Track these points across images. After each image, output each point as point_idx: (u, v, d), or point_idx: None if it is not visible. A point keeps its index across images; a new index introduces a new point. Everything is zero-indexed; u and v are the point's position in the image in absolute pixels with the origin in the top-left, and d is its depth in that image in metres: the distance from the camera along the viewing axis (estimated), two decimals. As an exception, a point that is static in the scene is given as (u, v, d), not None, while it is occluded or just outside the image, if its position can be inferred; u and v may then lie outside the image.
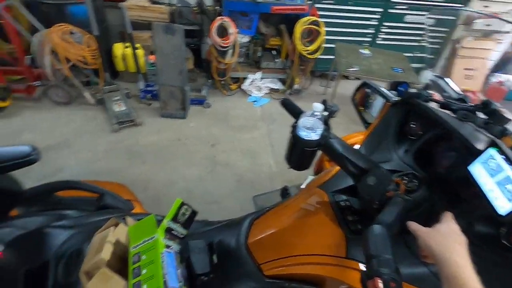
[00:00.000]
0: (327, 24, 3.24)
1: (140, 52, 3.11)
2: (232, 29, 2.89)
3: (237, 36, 3.03)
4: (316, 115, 0.76)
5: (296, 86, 3.46)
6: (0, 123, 2.59)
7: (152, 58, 3.26)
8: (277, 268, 0.80)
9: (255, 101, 3.31)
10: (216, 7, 3.26)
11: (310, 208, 0.88)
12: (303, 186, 1.38)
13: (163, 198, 2.11)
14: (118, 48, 3.18)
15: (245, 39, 3.32)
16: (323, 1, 3.32)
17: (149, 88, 3.08)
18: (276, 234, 0.86)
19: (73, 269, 0.76)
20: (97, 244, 0.79)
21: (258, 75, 3.44)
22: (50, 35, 2.58)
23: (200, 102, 3.10)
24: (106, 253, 0.75)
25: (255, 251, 0.86)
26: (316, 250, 0.78)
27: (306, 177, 1.49)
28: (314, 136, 0.76)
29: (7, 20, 2.57)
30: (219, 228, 0.98)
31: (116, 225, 0.84)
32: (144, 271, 0.74)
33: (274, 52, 3.63)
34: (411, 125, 0.94)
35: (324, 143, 0.78)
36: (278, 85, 3.52)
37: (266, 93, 3.45)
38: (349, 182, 0.89)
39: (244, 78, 3.45)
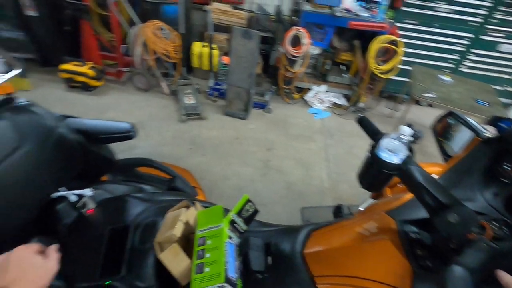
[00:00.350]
0: (406, 45, 3.08)
1: (215, 52, 3.33)
2: (305, 39, 2.92)
3: (309, 47, 3.05)
4: (401, 139, 0.74)
5: (361, 104, 3.34)
6: (92, 99, 3.01)
7: (225, 59, 3.46)
8: (331, 285, 0.79)
9: (316, 113, 3.28)
10: (293, 17, 3.34)
11: (375, 232, 0.85)
12: (361, 208, 1.33)
13: (215, 191, 2.21)
14: (197, 47, 3.45)
15: (316, 50, 3.33)
16: (406, 21, 3.16)
17: (217, 87, 3.27)
18: (335, 250, 0.85)
19: (148, 238, 0.86)
20: (170, 220, 0.88)
21: (323, 88, 3.41)
22: (144, 29, 2.92)
23: (262, 106, 3.19)
24: (178, 230, 0.83)
25: (311, 262, 0.86)
26: (377, 276, 0.75)
27: (365, 200, 1.43)
28: (395, 159, 0.74)
29: (114, 13, 2.98)
30: (276, 231, 1.00)
31: (187, 207, 0.92)
32: (207, 255, 0.80)
33: (343, 67, 3.56)
34: (505, 167, 0.85)
35: (404, 169, 0.75)
36: (342, 101, 3.44)
37: (328, 107, 3.40)
38: (422, 214, 0.84)
39: (309, 89, 3.45)
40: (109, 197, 1.02)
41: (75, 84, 3.03)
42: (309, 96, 3.41)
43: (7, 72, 0.86)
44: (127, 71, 3.33)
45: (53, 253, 0.60)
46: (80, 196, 0.93)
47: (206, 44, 3.47)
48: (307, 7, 3.00)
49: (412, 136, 0.77)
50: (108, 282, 0.78)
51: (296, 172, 2.49)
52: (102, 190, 1.03)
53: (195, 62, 3.51)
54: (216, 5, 3.67)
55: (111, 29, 3.17)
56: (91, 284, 0.78)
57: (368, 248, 0.82)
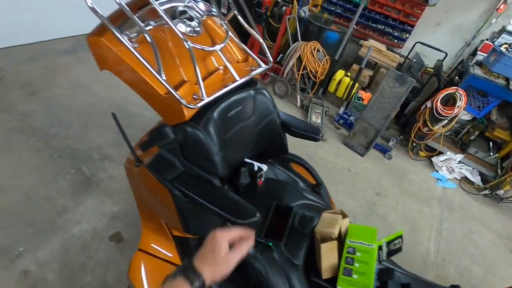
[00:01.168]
0: None
1: (356, 84, 3.43)
2: (461, 102, 2.72)
3: (461, 111, 2.82)
4: None
5: (500, 192, 2.87)
6: (238, 90, 3.51)
7: (361, 93, 3.53)
8: None
9: (439, 179, 2.99)
10: (454, 76, 3.15)
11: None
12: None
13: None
14: (340, 74, 3.62)
15: (466, 116, 3.05)
16: None
17: (345, 116, 3.35)
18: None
19: (306, 225, 1.01)
20: (328, 220, 1.00)
21: (458, 157, 3.08)
22: (303, 46, 3.25)
23: (383, 150, 3.11)
24: (336, 231, 0.95)
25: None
26: None
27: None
28: None
29: (284, 26, 3.43)
30: (412, 277, 1.01)
31: (343, 216, 1.03)
32: (356, 265, 0.89)
33: (491, 144, 3.14)
34: None
35: None
36: (475, 179, 3.04)
37: (456, 179, 3.05)
38: None
39: (440, 152, 3.18)
40: (274, 178, 1.23)
41: (230, 73, 3.60)
42: (437, 160, 3.14)
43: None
44: (272, 76, 3.75)
45: (244, 247, 0.58)
46: (259, 169, 1.16)
47: (349, 74, 3.61)
48: (477, 71, 2.78)
49: None
50: (270, 244, 0.96)
51: (400, 229, 2.34)
52: (270, 170, 1.25)
53: (332, 87, 3.69)
54: (372, 42, 3.78)
55: (273, 39, 3.65)
56: (257, 239, 0.97)
57: None
